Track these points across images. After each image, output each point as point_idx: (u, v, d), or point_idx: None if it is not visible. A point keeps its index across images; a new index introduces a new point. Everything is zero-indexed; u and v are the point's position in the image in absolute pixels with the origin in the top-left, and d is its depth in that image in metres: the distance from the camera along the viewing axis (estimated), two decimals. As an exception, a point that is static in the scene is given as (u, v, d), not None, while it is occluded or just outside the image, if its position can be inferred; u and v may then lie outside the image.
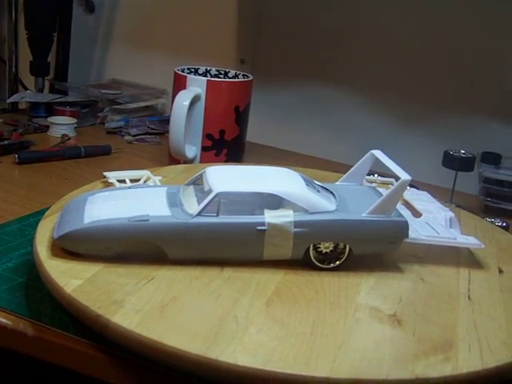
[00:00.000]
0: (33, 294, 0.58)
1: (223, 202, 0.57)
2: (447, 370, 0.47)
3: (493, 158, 0.95)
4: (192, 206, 0.58)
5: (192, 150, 0.94)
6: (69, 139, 1.03)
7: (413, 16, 1.06)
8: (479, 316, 0.55)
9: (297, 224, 0.57)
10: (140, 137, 1.10)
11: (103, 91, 1.18)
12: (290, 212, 0.58)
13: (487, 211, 0.91)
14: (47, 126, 1.08)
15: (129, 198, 0.61)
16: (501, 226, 0.80)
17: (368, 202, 0.60)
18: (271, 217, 0.57)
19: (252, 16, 1.17)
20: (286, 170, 0.64)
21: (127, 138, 1.09)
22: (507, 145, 1.00)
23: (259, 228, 0.57)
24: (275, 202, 0.58)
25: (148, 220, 0.56)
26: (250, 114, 0.99)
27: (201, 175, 0.62)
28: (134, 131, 1.11)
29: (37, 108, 1.15)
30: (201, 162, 0.95)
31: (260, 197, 0.59)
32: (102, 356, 0.51)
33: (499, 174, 0.92)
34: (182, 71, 0.97)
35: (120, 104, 1.16)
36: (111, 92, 1.18)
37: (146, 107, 1.19)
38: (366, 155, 0.67)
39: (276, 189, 0.58)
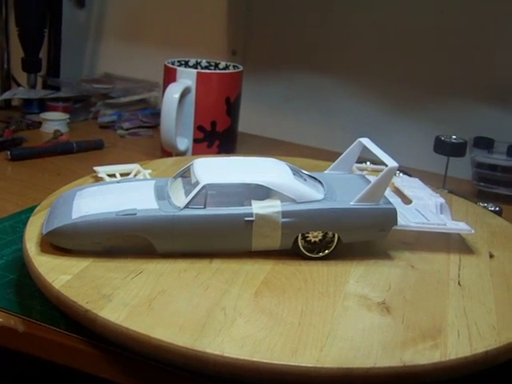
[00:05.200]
0: (24, 291, 0.58)
1: (210, 193, 0.57)
2: (435, 357, 0.47)
3: (485, 143, 0.95)
4: (179, 198, 0.58)
5: (184, 143, 0.94)
6: (61, 135, 1.03)
7: (403, 1, 1.06)
8: (469, 301, 0.55)
9: (284, 214, 0.57)
10: (133, 130, 1.10)
11: (95, 86, 1.17)
12: (278, 202, 0.58)
13: (480, 196, 0.91)
14: (40, 122, 1.08)
15: (117, 193, 0.61)
16: (493, 211, 0.80)
17: (356, 190, 0.60)
18: (259, 207, 0.57)
19: (242, 7, 1.17)
20: (272, 159, 0.63)
21: (120, 132, 1.09)
22: (500, 129, 0.99)
23: (247, 219, 0.57)
24: (263, 192, 0.58)
25: (135, 214, 0.56)
26: (242, 105, 0.99)
27: (188, 167, 0.62)
28: (126, 125, 1.10)
29: (30, 104, 1.15)
30: (193, 154, 0.95)
31: (247, 188, 0.58)
32: (93, 351, 0.51)
33: (492, 158, 0.92)
34: (173, 64, 0.97)
35: (112, 98, 1.16)
36: (103, 86, 1.18)
37: (139, 101, 1.19)
38: (354, 143, 0.67)
39: (263, 179, 0.58)
